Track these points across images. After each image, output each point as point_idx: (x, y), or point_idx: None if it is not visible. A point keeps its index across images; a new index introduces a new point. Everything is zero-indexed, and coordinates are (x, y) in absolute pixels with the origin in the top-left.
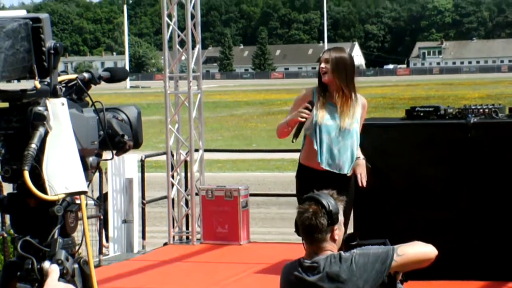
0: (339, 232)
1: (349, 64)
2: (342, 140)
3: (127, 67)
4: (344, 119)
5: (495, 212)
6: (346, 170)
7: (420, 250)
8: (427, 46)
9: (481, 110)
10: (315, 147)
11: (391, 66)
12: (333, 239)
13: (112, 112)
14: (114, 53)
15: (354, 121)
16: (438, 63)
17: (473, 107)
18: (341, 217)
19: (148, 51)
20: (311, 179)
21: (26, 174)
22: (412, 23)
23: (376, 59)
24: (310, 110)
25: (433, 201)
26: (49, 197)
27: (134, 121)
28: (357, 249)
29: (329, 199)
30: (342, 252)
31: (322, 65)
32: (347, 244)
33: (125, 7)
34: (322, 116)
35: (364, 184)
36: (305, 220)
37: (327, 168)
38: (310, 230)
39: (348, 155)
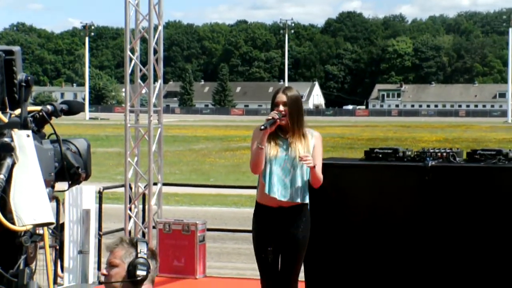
0: None
1: (301, 102)
2: (293, 171)
3: (87, 99)
4: (295, 150)
5: (452, 254)
6: (299, 199)
7: None
8: (386, 89)
9: (439, 154)
10: (263, 180)
11: (350, 107)
12: None
13: (65, 144)
14: (74, 84)
15: (305, 151)
16: (397, 106)
17: (431, 151)
18: None
19: (108, 83)
20: (266, 216)
21: None
22: (372, 65)
23: (336, 99)
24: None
25: (390, 242)
26: (17, 227)
27: (84, 154)
28: None
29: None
30: None
31: (281, 108)
32: None
33: (86, 39)
34: (273, 150)
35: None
36: None
37: (281, 199)
38: None
39: (299, 185)
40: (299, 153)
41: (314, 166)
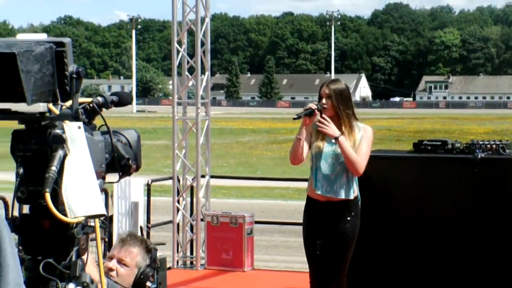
0: None
1: (347, 94)
2: (339, 166)
3: (134, 92)
4: None
5: (501, 247)
6: (344, 195)
7: None
8: (433, 80)
9: (489, 146)
10: (311, 174)
11: (397, 99)
12: None
13: (115, 135)
14: (121, 77)
15: (351, 146)
16: (445, 97)
17: (480, 143)
18: None
19: (155, 76)
20: (315, 210)
21: (48, 196)
22: (420, 57)
23: (383, 91)
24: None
25: (439, 234)
26: (69, 219)
27: (134, 145)
28: None
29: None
30: None
31: (324, 100)
32: None
33: (133, 32)
34: (319, 145)
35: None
36: None
37: (324, 195)
38: None
39: (345, 180)
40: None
41: (336, 138)
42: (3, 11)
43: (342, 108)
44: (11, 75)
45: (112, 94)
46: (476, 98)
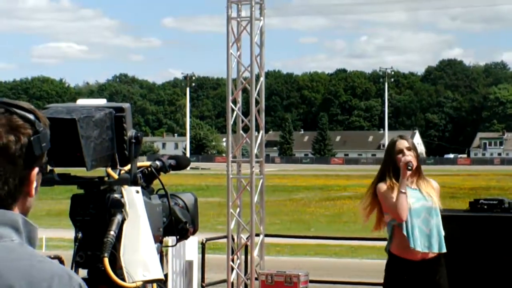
0: None
1: None
2: (432, 220)
3: (188, 149)
4: (431, 199)
5: None
6: (437, 249)
7: None
8: (488, 137)
9: None
10: (405, 232)
11: (451, 155)
12: None
13: (172, 199)
14: (175, 134)
15: (436, 200)
16: (499, 154)
17: None
18: None
19: (209, 133)
20: (403, 270)
21: (106, 261)
22: (474, 113)
23: (437, 148)
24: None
25: None
26: (127, 284)
27: (191, 208)
28: None
29: None
30: None
31: (408, 152)
32: None
33: (187, 89)
34: (408, 203)
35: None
36: None
37: (425, 251)
38: None
39: (439, 233)
40: (434, 200)
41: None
42: (59, 70)
43: (418, 161)
44: (71, 140)
45: (170, 157)
46: None
